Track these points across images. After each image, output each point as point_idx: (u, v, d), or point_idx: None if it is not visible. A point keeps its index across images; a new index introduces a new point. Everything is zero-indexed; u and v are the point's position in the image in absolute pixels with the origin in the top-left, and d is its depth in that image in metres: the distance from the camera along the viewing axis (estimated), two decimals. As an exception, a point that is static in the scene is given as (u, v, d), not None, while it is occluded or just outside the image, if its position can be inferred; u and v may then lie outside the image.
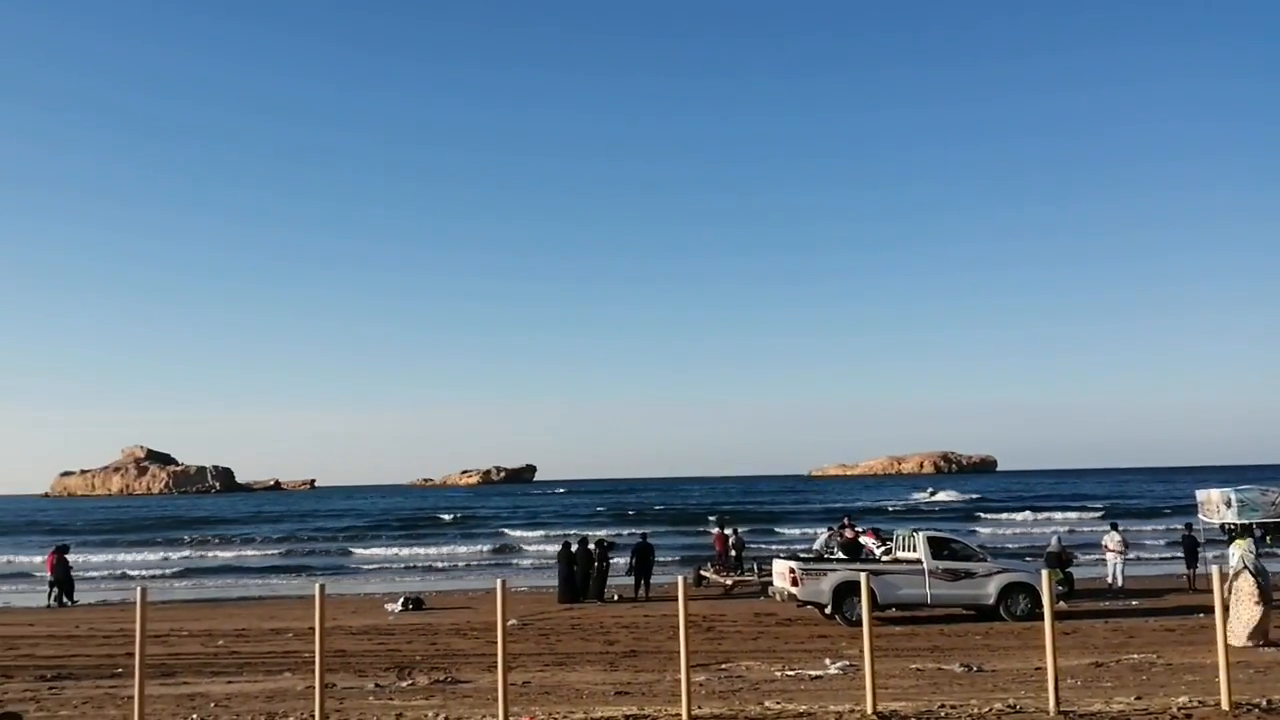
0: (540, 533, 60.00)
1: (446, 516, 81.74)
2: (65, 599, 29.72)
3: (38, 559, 47.06)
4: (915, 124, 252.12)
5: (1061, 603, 22.40)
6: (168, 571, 42.86)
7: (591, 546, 28.18)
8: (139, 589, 10.49)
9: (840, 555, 25.68)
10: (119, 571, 42.38)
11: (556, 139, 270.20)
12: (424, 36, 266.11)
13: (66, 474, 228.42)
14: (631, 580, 27.94)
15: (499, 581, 10.02)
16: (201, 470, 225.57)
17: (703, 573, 29.75)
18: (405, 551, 50.78)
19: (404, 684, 15.03)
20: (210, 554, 53.28)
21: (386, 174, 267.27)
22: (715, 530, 34.33)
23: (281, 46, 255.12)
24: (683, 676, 9.81)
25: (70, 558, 31.47)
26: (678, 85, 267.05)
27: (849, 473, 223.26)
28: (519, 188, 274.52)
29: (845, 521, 30.33)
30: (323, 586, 10.16)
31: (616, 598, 27.03)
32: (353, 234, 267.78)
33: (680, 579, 10.29)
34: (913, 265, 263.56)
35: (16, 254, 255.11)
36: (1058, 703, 10.56)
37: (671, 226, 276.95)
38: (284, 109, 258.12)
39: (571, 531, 50.40)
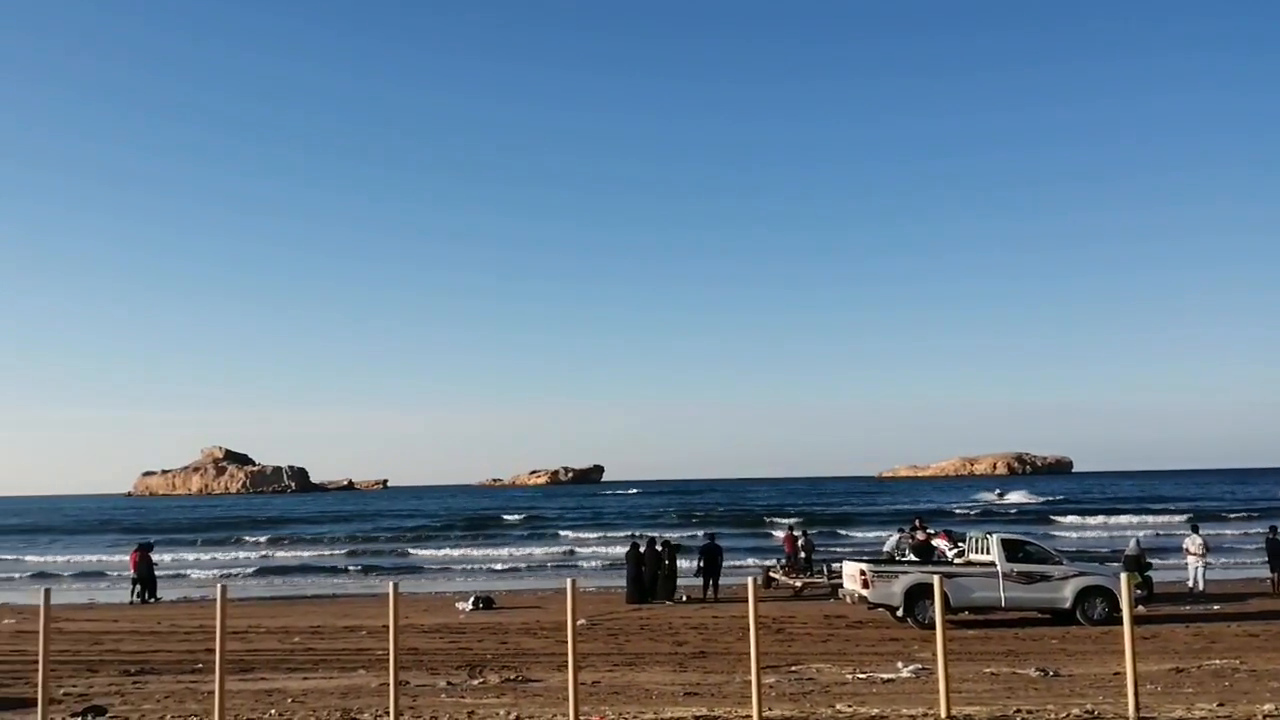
0: (607, 534, 60.12)
1: (514, 517, 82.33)
2: (148, 596, 30.50)
3: (116, 558, 48.41)
4: (992, 127, 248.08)
5: (1140, 607, 21.89)
6: (246, 569, 43.74)
7: (659, 547, 28.18)
8: (219, 586, 10.72)
9: (912, 557, 25.39)
10: (198, 569, 43.39)
11: (635, 142, 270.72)
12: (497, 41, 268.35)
13: (148, 474, 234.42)
14: (700, 581, 27.88)
15: (569, 581, 10.06)
16: (277, 470, 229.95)
17: (772, 574, 29.59)
18: (475, 551, 51.26)
19: (475, 682, 15.17)
20: (285, 553, 54.29)
21: (465, 179, 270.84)
22: (784, 531, 34.10)
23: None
24: (753, 678, 9.77)
25: (153, 556, 32.27)
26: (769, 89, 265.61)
27: (919, 474, 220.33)
28: (594, 191, 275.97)
29: (916, 523, 29.97)
30: (397, 585, 10.28)
31: (685, 598, 27.00)
32: (421, 237, 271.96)
33: (750, 580, 10.24)
34: (988, 267, 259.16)
35: (107, 257, 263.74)
36: (1137, 708, 10.32)
37: (742, 229, 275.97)
38: (387, 116, 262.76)
39: (639, 532, 50.51)
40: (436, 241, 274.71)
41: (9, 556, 56.22)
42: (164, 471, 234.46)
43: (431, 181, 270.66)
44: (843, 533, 58.14)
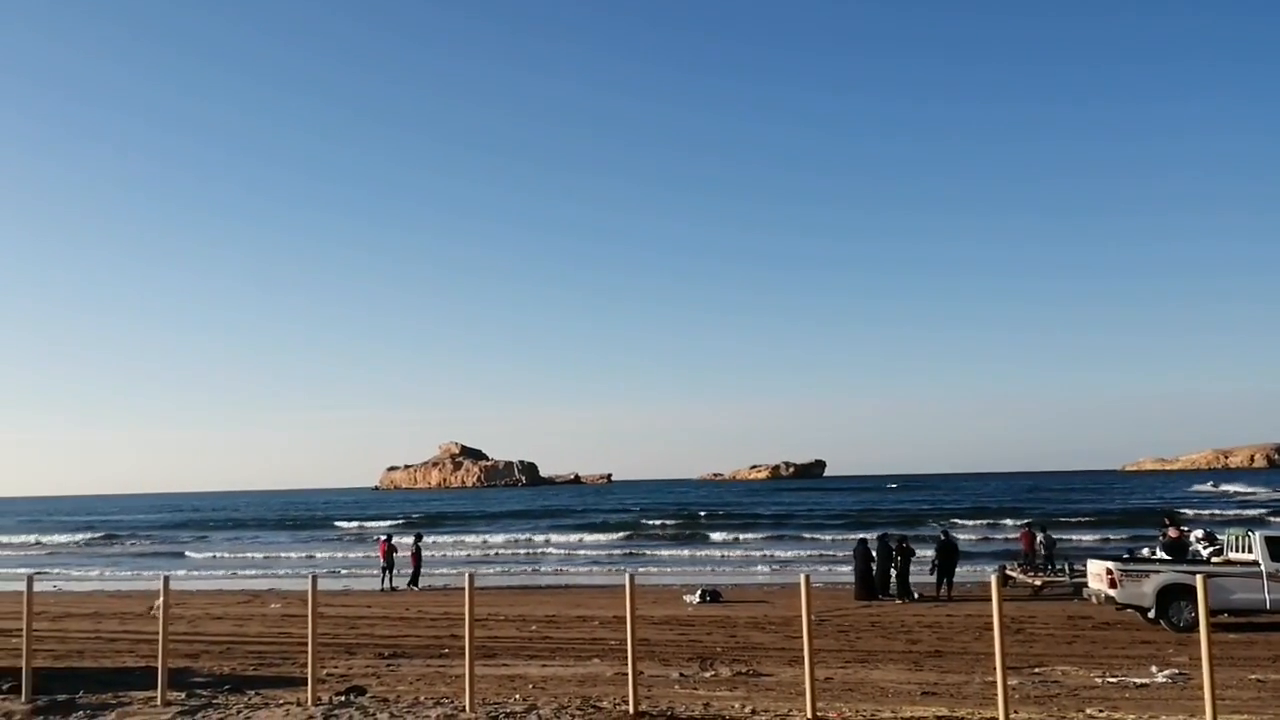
0: (831, 529, 59.39)
1: (734, 511, 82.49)
2: (410, 582, 32.35)
3: (348, 551, 51.48)
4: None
5: None
6: (482, 559, 45.69)
7: (891, 543, 27.55)
8: (467, 575, 11.23)
9: (1163, 555, 23.81)
10: (440, 560, 45.62)
11: (841, 152, 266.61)
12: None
13: (392, 469, 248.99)
14: (933, 578, 27.10)
15: (802, 576, 9.97)
16: (509, 465, 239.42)
17: (1009, 572, 28.41)
18: (698, 546, 51.71)
19: (707, 674, 15.28)
20: (516, 544, 56.39)
21: (684, 188, 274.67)
22: (1021, 528, 32.66)
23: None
24: (999, 678, 9.40)
25: (400, 543, 34.22)
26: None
27: (1167, 467, 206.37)
28: (806, 200, 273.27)
29: (1167, 520, 28.07)
30: (633, 577, 10.48)
31: (917, 596, 26.30)
32: (650, 245, 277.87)
33: (993, 577, 9.85)
34: (1237, 249, 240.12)
35: (362, 263, 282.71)
36: None
37: (972, 213, 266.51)
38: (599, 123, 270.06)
39: (867, 529, 49.56)
40: (659, 250, 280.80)
41: (271, 545, 60.95)
42: (406, 467, 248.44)
43: (658, 194, 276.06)
44: (1083, 529, 55.24)
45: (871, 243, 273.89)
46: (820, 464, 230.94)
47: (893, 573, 26.84)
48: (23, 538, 73.12)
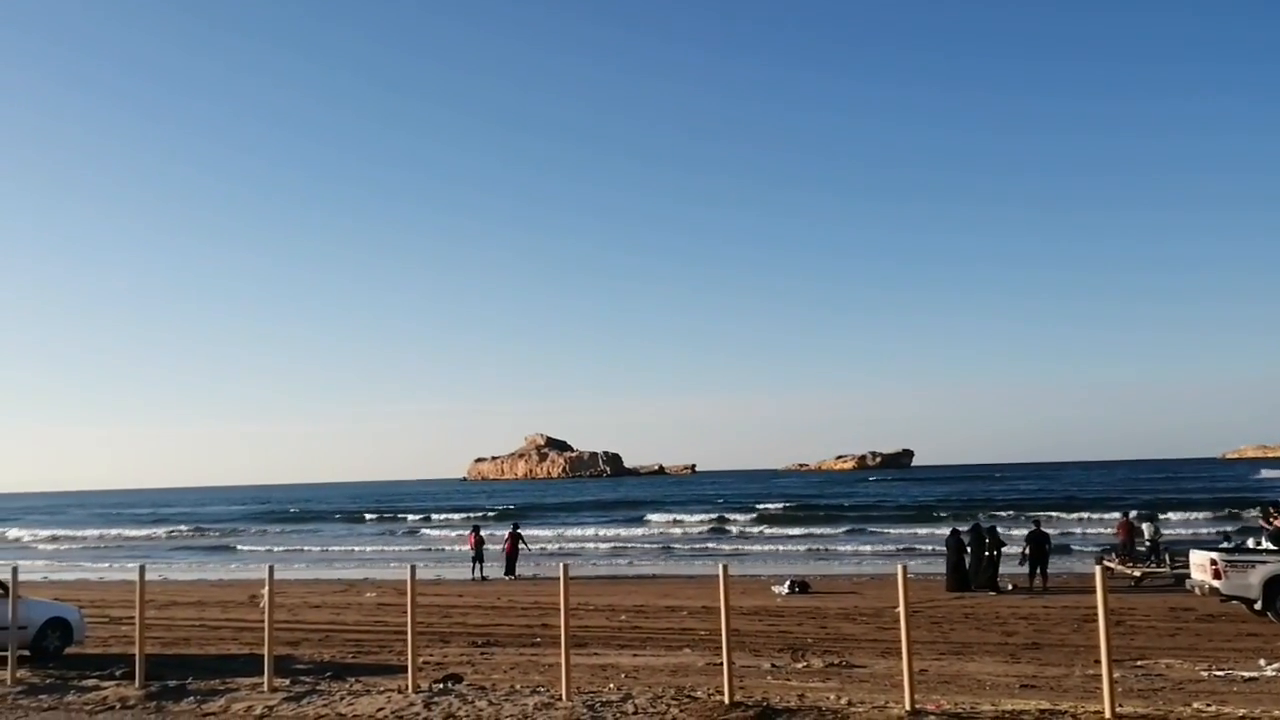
0: (920, 520, 58.66)
1: (822, 501, 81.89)
2: (508, 572, 32.81)
3: (430, 536, 52.20)
4: None
5: None
6: (568, 549, 46.05)
7: (984, 534, 27.09)
8: (562, 565, 11.34)
9: (1269, 546, 23.03)
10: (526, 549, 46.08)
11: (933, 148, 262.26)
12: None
13: (480, 460, 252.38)
14: (1025, 569, 26.60)
15: (900, 567, 9.88)
16: (593, 456, 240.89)
17: (1106, 563, 27.75)
18: (784, 535, 51.48)
19: (799, 665, 15.23)
20: (603, 534, 56.76)
21: (768, 182, 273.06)
22: (1119, 518, 31.86)
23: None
24: (1104, 671, 9.22)
25: (487, 535, 34.71)
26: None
27: (1269, 454, 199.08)
28: (896, 199, 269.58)
29: (1272, 510, 27.14)
30: (726, 567, 10.50)
31: (1011, 587, 25.84)
32: (726, 237, 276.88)
33: (1097, 569, 9.65)
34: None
35: (454, 259, 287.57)
36: None
37: (1066, 205, 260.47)
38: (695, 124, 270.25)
39: (958, 519, 48.86)
40: (743, 243, 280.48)
41: (363, 535, 62.28)
42: (493, 458, 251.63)
43: (742, 188, 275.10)
44: (1181, 519, 53.70)
45: (967, 233, 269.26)
46: (908, 453, 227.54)
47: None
48: (126, 530, 75.89)
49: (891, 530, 53.36)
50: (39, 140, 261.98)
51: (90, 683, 13.03)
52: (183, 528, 77.96)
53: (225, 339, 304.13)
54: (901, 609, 9.67)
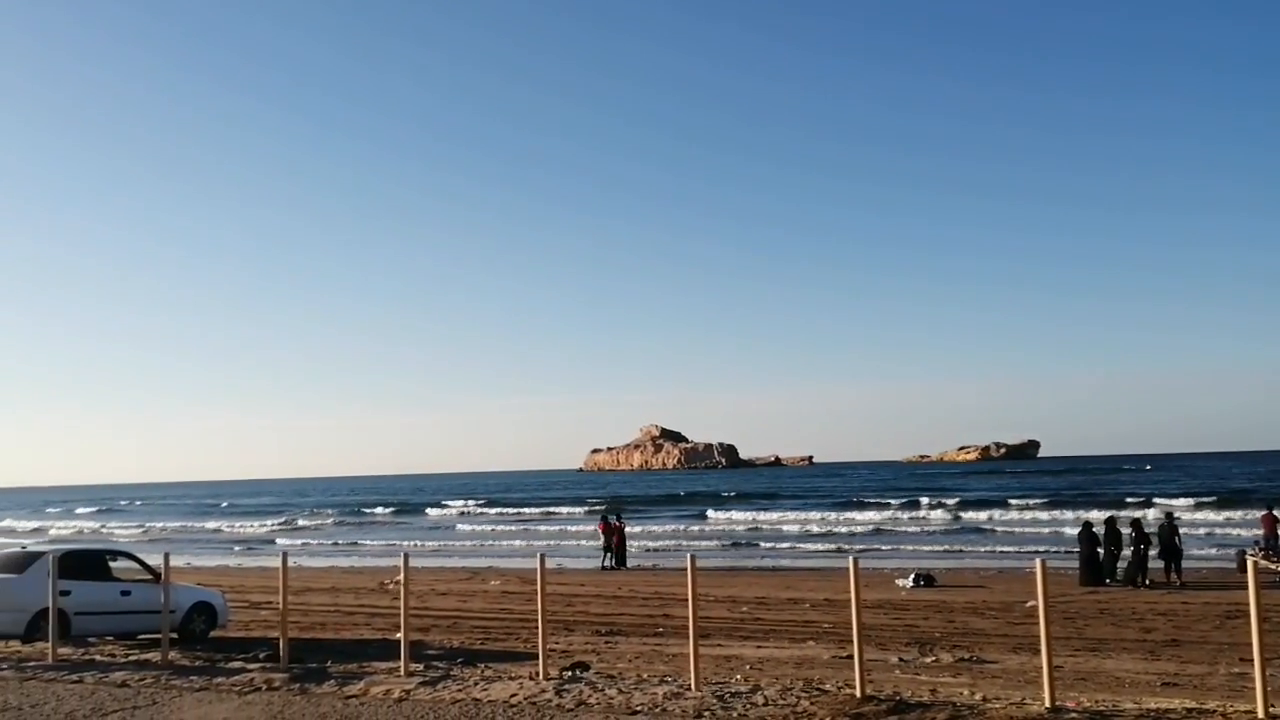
0: (1047, 511, 57.10)
1: (944, 494, 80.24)
2: (620, 563, 33.19)
3: (575, 527, 52.85)
4: None
5: None
6: (686, 540, 46.19)
7: (1123, 527, 26.17)
8: (688, 556, 11.39)
9: None
10: (647, 539, 46.41)
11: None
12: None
13: (596, 451, 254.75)
14: (1162, 564, 25.63)
15: (1038, 561, 9.65)
16: (709, 447, 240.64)
17: (1249, 557, 26.54)
18: (902, 527, 50.72)
19: (927, 660, 14.99)
20: (719, 525, 56.77)
21: (882, 180, 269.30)
22: (1263, 511, 30.46)
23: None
24: (1257, 670, 8.89)
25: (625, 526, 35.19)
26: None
27: None
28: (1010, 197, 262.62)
29: None
30: (856, 560, 10.41)
31: (1148, 582, 24.95)
32: (843, 233, 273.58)
33: (1249, 563, 9.28)
34: None
35: (567, 251, 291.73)
36: None
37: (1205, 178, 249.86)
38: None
39: (1088, 511, 47.41)
40: (858, 237, 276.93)
41: (484, 521, 63.54)
42: (609, 449, 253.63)
43: (858, 187, 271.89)
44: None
45: (1098, 215, 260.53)
46: (1034, 444, 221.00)
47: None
48: (265, 522, 78.92)
49: (1017, 523, 52.11)
50: (212, 144, 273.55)
51: (236, 665, 13.60)
52: (330, 512, 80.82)
53: (355, 331, 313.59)
54: (1040, 602, 9.44)
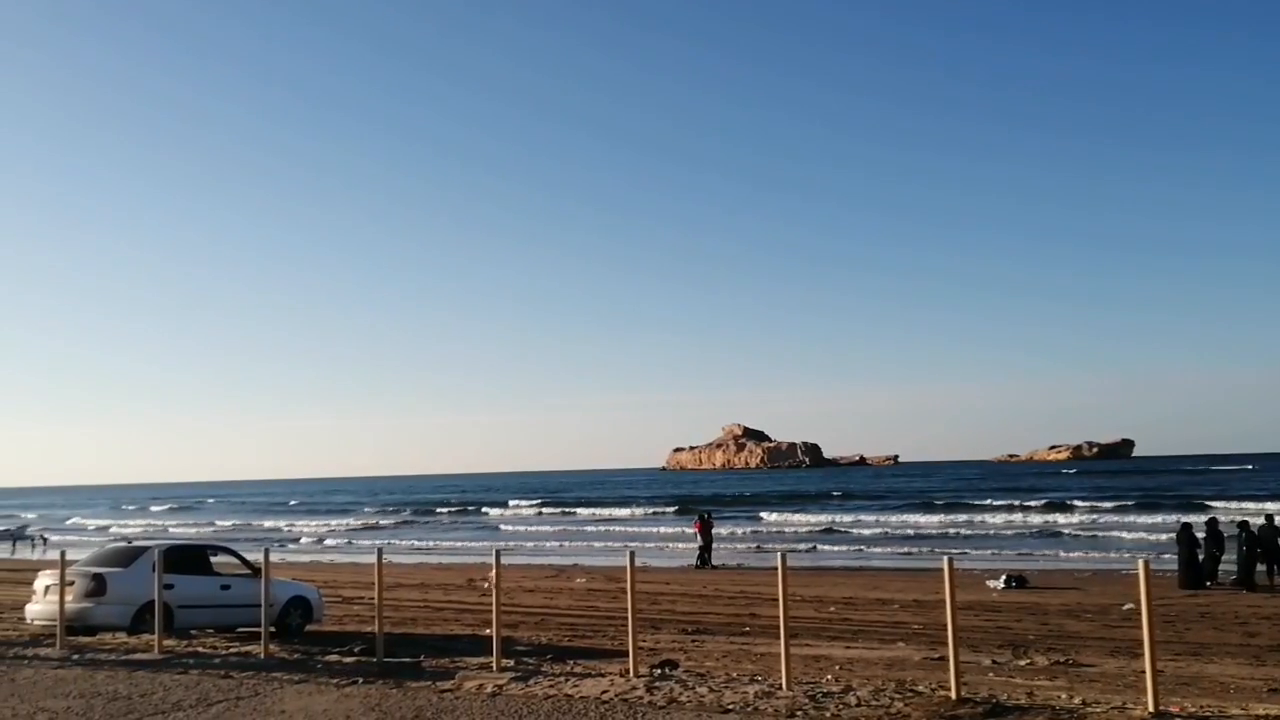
0: (1144, 512, 55.63)
1: (1033, 493, 78.58)
2: (703, 562, 33.21)
3: (658, 529, 52.85)
4: None
5: None
6: (772, 540, 45.99)
7: (1231, 530, 25.34)
8: (779, 555, 11.35)
9: None
10: (731, 540, 46.33)
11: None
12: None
13: (678, 450, 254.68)
14: (1264, 568, 24.76)
15: (1141, 562, 9.43)
16: (792, 446, 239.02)
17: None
18: (991, 528, 49.84)
19: (1022, 663, 14.72)
20: (804, 525, 56.40)
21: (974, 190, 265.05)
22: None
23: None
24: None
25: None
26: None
27: None
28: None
29: None
30: (951, 560, 10.27)
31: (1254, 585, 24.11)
32: (936, 229, 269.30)
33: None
34: None
35: (655, 248, 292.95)
36: None
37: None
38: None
39: (1187, 513, 46.09)
40: (948, 228, 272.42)
41: (569, 520, 64.01)
42: (691, 448, 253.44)
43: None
44: None
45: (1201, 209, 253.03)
46: (1128, 443, 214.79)
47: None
48: (345, 520, 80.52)
49: (1109, 524, 50.83)
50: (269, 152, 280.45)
51: (332, 658, 13.92)
52: (407, 512, 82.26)
53: (428, 334, 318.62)
54: (1143, 604, 9.23)
